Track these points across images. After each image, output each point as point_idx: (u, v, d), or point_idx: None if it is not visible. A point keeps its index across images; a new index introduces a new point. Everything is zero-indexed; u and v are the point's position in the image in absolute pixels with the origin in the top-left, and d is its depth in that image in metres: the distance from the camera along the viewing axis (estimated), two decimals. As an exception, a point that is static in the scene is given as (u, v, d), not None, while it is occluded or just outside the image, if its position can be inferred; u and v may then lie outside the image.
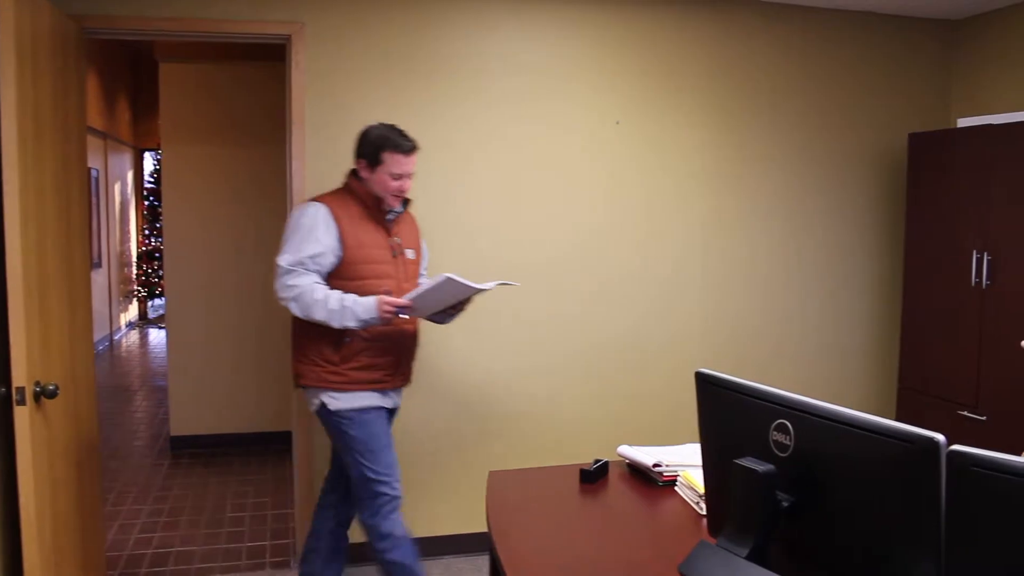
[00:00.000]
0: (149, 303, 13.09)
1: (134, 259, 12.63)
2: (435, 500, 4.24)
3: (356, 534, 4.12)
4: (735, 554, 1.52)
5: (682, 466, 2.56)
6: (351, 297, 3.10)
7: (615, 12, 4.31)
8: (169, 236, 6.12)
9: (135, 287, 12.63)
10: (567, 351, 4.39)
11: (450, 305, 3.26)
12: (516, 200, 4.26)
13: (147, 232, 12.84)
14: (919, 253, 4.43)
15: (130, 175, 12.41)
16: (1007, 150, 3.88)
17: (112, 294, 11.06)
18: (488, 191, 4.22)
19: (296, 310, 3.14)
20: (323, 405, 3.24)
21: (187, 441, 6.12)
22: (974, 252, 4.01)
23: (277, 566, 4.20)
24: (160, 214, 5.39)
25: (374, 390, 3.26)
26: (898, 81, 4.81)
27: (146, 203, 12.90)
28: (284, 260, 3.14)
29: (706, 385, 1.75)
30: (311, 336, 3.22)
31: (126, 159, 12.03)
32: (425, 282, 3.27)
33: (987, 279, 3.94)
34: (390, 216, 3.28)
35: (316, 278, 3.14)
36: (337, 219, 3.17)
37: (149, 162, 12.96)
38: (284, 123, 4.26)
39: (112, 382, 8.71)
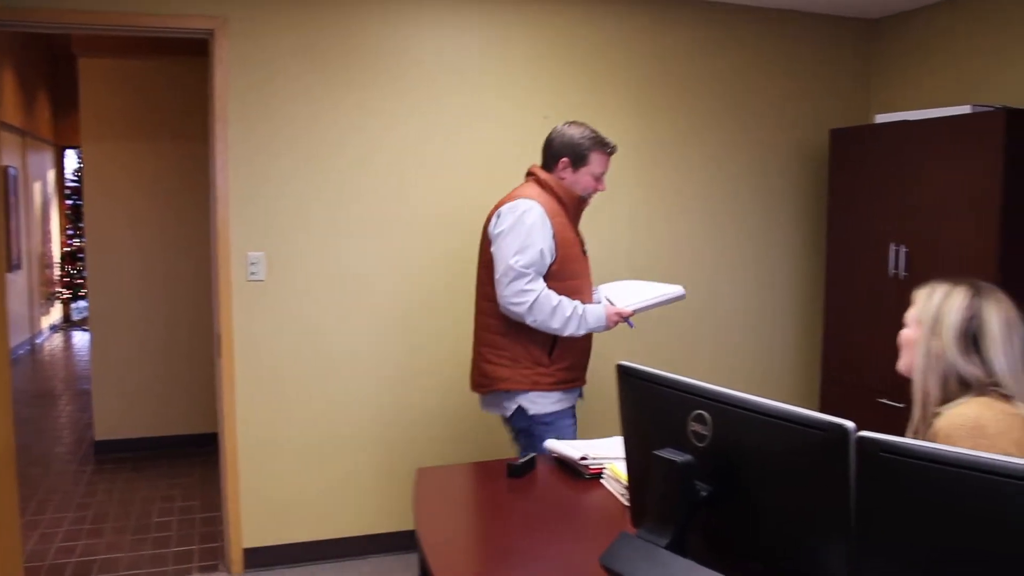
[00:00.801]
0: (73, 305, 12.74)
1: (56, 260, 12.28)
2: (364, 498, 4.20)
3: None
4: (655, 544, 1.53)
5: (608, 459, 2.58)
6: (580, 305, 3.12)
7: (543, 7, 4.32)
8: (92, 236, 5.96)
9: (58, 289, 12.28)
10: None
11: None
12: (447, 195, 4.24)
13: (70, 232, 12.50)
14: (840, 246, 4.53)
15: (51, 174, 12.06)
16: (922, 146, 3.99)
17: (33, 296, 10.74)
18: (418, 186, 4.19)
19: (529, 318, 3.06)
20: (520, 409, 3.18)
21: (112, 446, 5.97)
22: (891, 244, 4.12)
23: (205, 570, 4.12)
24: (84, 214, 5.21)
25: (573, 388, 3.26)
26: (821, 78, 4.92)
27: (68, 202, 12.55)
28: (518, 262, 3.05)
29: (626, 377, 1.76)
30: (520, 338, 3.16)
31: (47, 157, 11.69)
32: (654, 292, 3.34)
33: (904, 270, 4.05)
34: (575, 215, 3.31)
35: (543, 282, 3.10)
36: (550, 216, 3.14)
37: (72, 160, 12.61)
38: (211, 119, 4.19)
39: (34, 387, 8.46)
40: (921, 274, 4.07)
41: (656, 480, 1.56)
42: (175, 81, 5.91)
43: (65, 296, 12.41)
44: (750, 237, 4.82)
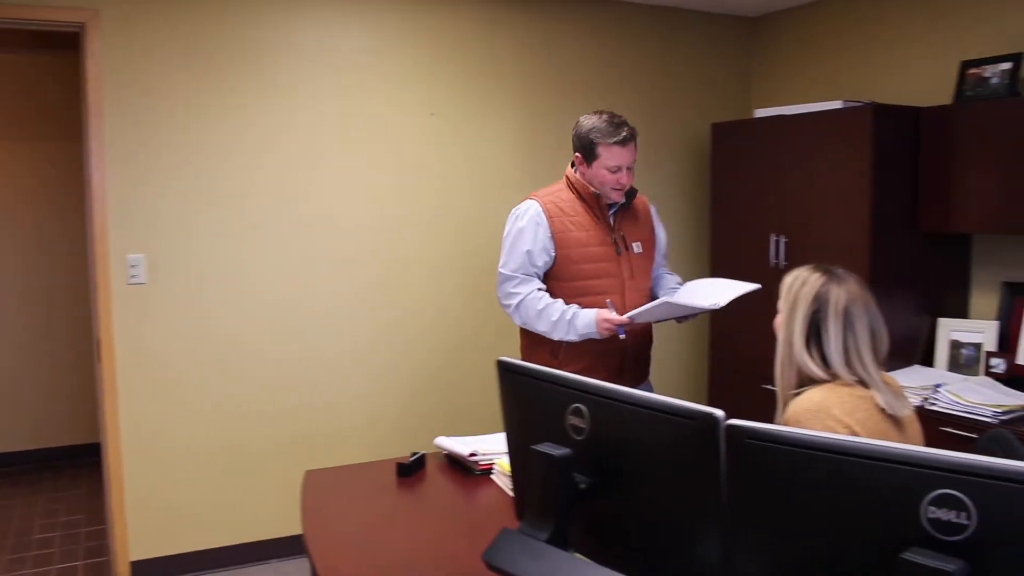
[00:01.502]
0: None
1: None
2: (258, 502, 4.12)
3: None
4: (536, 538, 1.54)
5: (498, 454, 2.59)
6: (572, 309, 2.97)
7: (426, 3, 4.30)
8: (-42, 238, 5.67)
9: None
10: (384, 344, 4.36)
11: (680, 316, 3.03)
12: (334, 192, 4.18)
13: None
14: (724, 237, 4.65)
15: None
16: (797, 140, 4.13)
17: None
18: (304, 183, 4.12)
19: (517, 320, 3.08)
20: None
21: (-12, 461, 5.70)
22: (772, 235, 4.25)
23: (90, 586, 3.98)
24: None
25: None
26: (705, 74, 5.04)
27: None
28: (505, 265, 3.07)
29: (506, 373, 1.77)
30: (532, 338, 3.14)
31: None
32: (724, 292, 2.98)
33: (784, 260, 4.18)
34: (614, 209, 3.10)
35: (537, 284, 3.04)
36: (550, 216, 3.03)
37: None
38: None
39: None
40: (799, 264, 4.20)
41: (536, 475, 1.57)
42: (55, 77, 5.66)
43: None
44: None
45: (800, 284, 2.03)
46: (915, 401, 3.54)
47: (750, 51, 5.18)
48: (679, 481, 1.41)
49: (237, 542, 4.10)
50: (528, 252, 3.02)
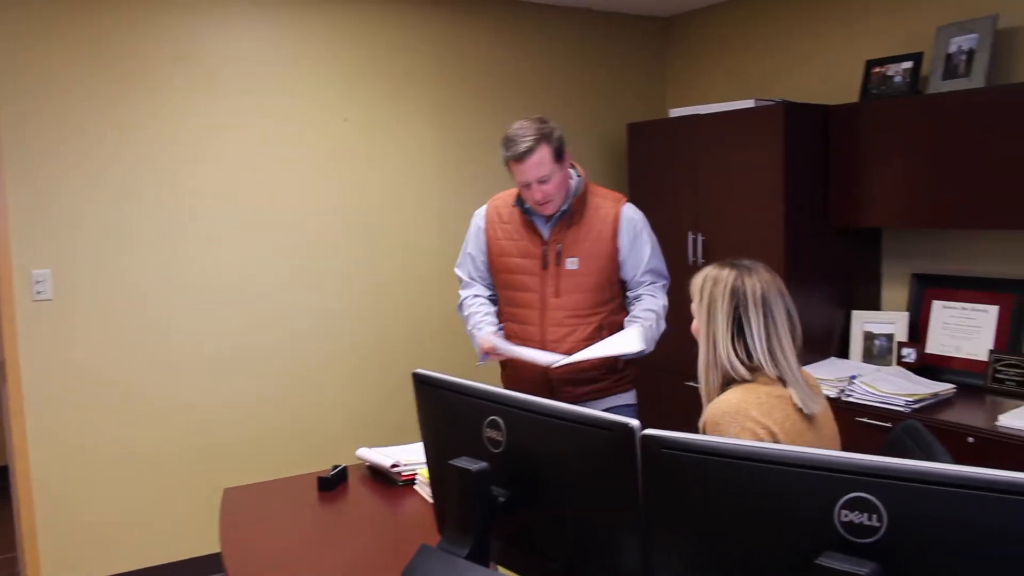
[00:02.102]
0: None
1: None
2: (179, 521, 3.99)
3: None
4: (455, 555, 1.51)
5: (420, 464, 2.55)
6: (479, 324, 2.91)
7: (337, 9, 4.23)
8: None
9: None
10: (304, 352, 4.29)
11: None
12: (241, 199, 4.08)
13: None
14: (644, 236, 4.67)
15: None
16: (711, 138, 4.18)
17: None
18: (215, 192, 4.01)
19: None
20: None
21: None
22: (690, 233, 4.29)
23: (-1, 618, 3.82)
24: None
25: None
26: (620, 74, 5.06)
27: None
28: (456, 267, 3.09)
29: (422, 386, 1.74)
30: None
31: None
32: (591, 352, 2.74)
33: (701, 258, 4.23)
34: (555, 220, 2.84)
35: (476, 290, 3.02)
36: (489, 221, 2.97)
37: None
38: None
39: None
40: (709, 260, 4.27)
41: (453, 490, 1.55)
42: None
43: None
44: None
45: (712, 283, 2.02)
46: (832, 393, 3.62)
47: (663, 51, 5.23)
48: (597, 491, 1.40)
49: (157, 563, 3.97)
50: (470, 255, 3.03)
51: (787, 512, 1.14)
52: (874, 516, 1.06)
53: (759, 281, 1.99)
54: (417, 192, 4.48)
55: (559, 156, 2.76)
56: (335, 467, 2.66)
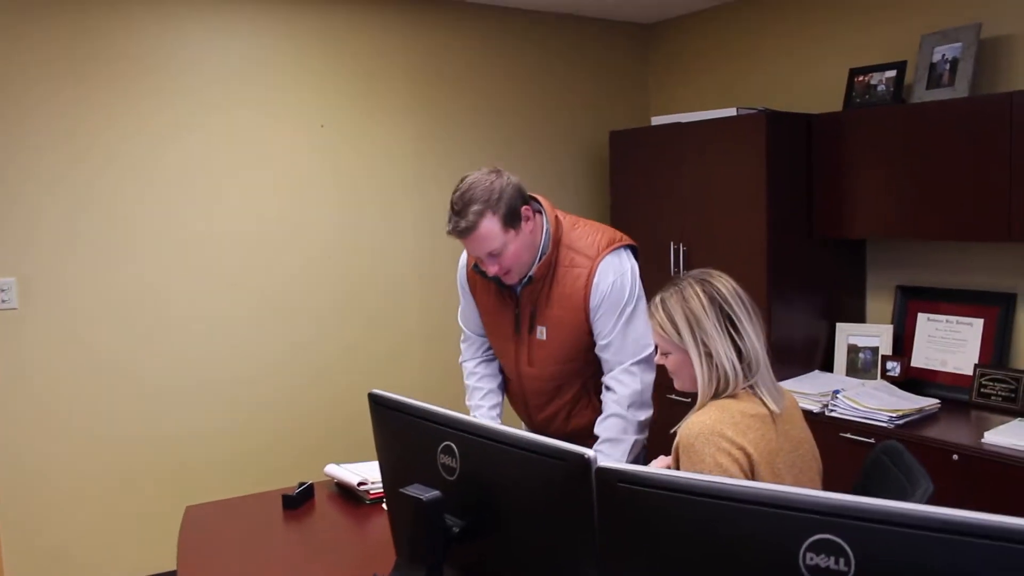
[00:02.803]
0: None
1: None
2: (148, 537, 3.89)
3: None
4: (406, 588, 1.43)
5: (387, 484, 2.47)
6: (473, 406, 2.63)
7: (312, 13, 4.15)
8: None
9: None
10: (275, 366, 4.19)
11: None
12: (214, 207, 3.99)
13: None
14: (626, 247, 4.60)
15: None
16: (694, 147, 4.11)
17: None
18: (191, 201, 3.92)
19: None
20: None
21: None
22: (672, 243, 4.22)
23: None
24: None
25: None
26: (602, 81, 5.00)
27: None
28: (459, 314, 2.72)
29: (378, 407, 1.66)
30: None
31: None
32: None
33: (684, 268, 4.16)
34: (524, 282, 2.40)
35: (474, 351, 2.68)
36: (468, 270, 2.54)
37: None
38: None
39: None
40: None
41: (405, 518, 1.46)
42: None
43: None
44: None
45: (682, 301, 1.91)
46: (815, 408, 3.56)
47: (646, 58, 5.16)
48: (553, 524, 1.31)
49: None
50: (463, 306, 2.68)
51: (750, 553, 1.06)
52: (841, 560, 0.98)
53: (725, 281, 1.93)
54: (392, 203, 4.40)
55: (512, 220, 2.27)
56: (301, 484, 2.59)
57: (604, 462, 1.18)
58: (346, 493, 2.61)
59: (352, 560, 2.14)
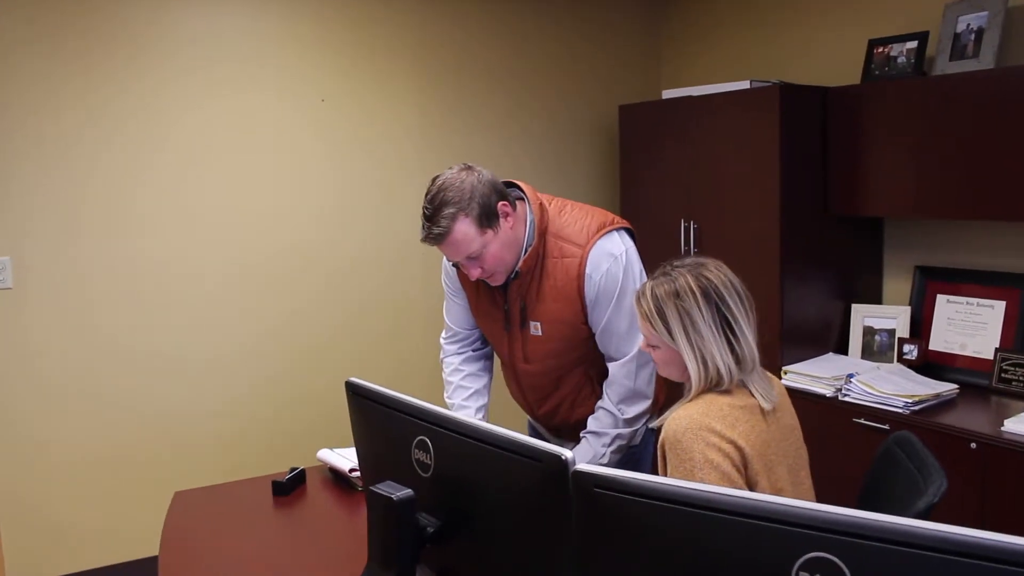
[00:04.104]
0: None
1: None
2: (147, 518, 3.82)
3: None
4: (377, 591, 1.34)
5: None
6: (451, 400, 2.54)
7: (314, -19, 4.03)
8: None
9: None
10: (274, 345, 4.10)
11: None
12: (211, 184, 3.89)
13: None
14: (635, 223, 4.44)
15: None
16: (706, 121, 3.97)
17: None
18: (190, 178, 3.82)
19: None
20: None
21: None
22: (682, 220, 4.10)
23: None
24: None
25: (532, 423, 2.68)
26: (612, 53, 4.86)
27: None
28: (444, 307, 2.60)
29: (355, 397, 1.56)
30: None
31: None
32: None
33: (695, 246, 4.04)
34: (513, 276, 2.24)
35: (461, 347, 2.56)
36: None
37: None
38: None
39: None
40: (711, 250, 4.05)
41: (376, 517, 1.37)
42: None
43: None
44: (548, 217, 4.71)
45: (675, 297, 1.78)
46: (828, 392, 3.45)
47: (659, 30, 5.01)
48: (529, 527, 1.22)
49: (126, 560, 3.82)
50: (447, 298, 2.55)
51: (738, 570, 0.96)
52: (838, 580, 0.88)
53: (718, 272, 1.80)
54: (399, 178, 4.29)
55: (488, 219, 2.11)
56: (292, 469, 2.52)
57: (581, 466, 1.08)
58: (339, 479, 2.54)
59: (340, 549, 2.06)
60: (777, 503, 0.94)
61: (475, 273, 2.16)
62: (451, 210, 2.07)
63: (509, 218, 2.17)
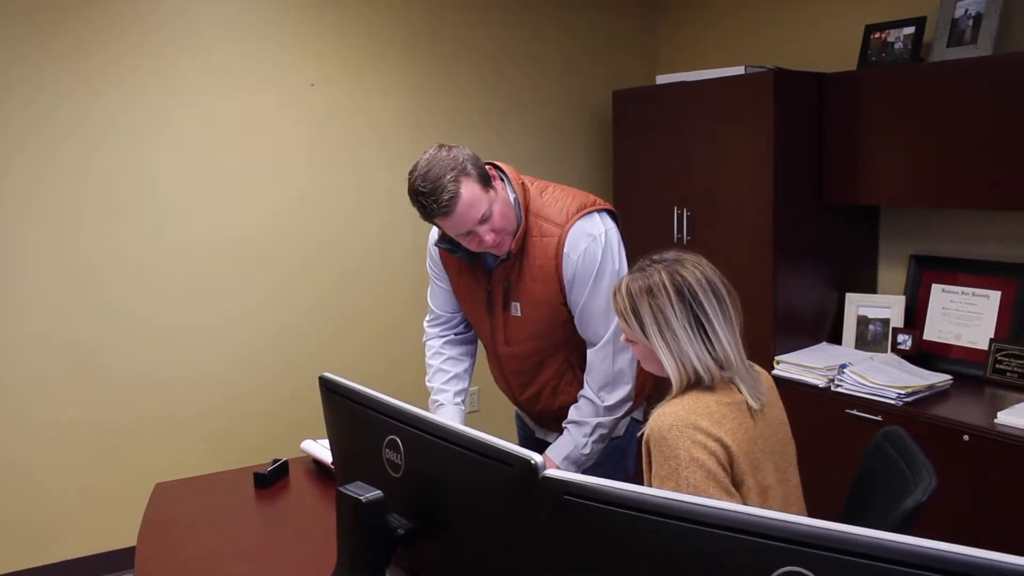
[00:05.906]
0: None
1: None
2: (123, 511, 3.78)
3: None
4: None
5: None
6: (436, 401, 2.48)
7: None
8: None
9: None
10: (255, 337, 4.04)
11: None
12: (188, 171, 3.80)
13: None
14: (627, 210, 4.41)
15: None
16: (700, 107, 3.91)
17: None
18: (166, 166, 3.74)
19: None
20: None
21: None
22: (675, 208, 4.05)
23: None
24: None
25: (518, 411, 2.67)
26: (608, 38, 4.80)
27: None
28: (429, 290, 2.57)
29: (328, 393, 1.52)
30: None
31: None
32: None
33: (687, 234, 3.99)
34: (501, 259, 2.21)
35: (444, 330, 2.53)
36: (442, 252, 2.34)
37: None
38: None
39: None
40: (704, 237, 4.04)
41: (345, 518, 1.33)
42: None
43: None
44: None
45: (648, 295, 1.72)
46: (820, 383, 3.42)
47: (654, 15, 4.95)
48: (499, 530, 1.18)
49: (105, 550, 3.78)
50: (432, 282, 2.52)
51: (689, 570, 0.92)
52: (812, 596, 0.84)
53: (695, 270, 1.74)
54: (387, 165, 4.23)
55: (486, 180, 2.08)
56: (275, 461, 2.48)
57: (551, 471, 1.04)
58: (322, 471, 2.51)
59: (321, 541, 2.01)
60: (752, 514, 0.90)
61: (489, 239, 2.08)
62: (452, 175, 2.01)
63: (497, 181, 2.15)
